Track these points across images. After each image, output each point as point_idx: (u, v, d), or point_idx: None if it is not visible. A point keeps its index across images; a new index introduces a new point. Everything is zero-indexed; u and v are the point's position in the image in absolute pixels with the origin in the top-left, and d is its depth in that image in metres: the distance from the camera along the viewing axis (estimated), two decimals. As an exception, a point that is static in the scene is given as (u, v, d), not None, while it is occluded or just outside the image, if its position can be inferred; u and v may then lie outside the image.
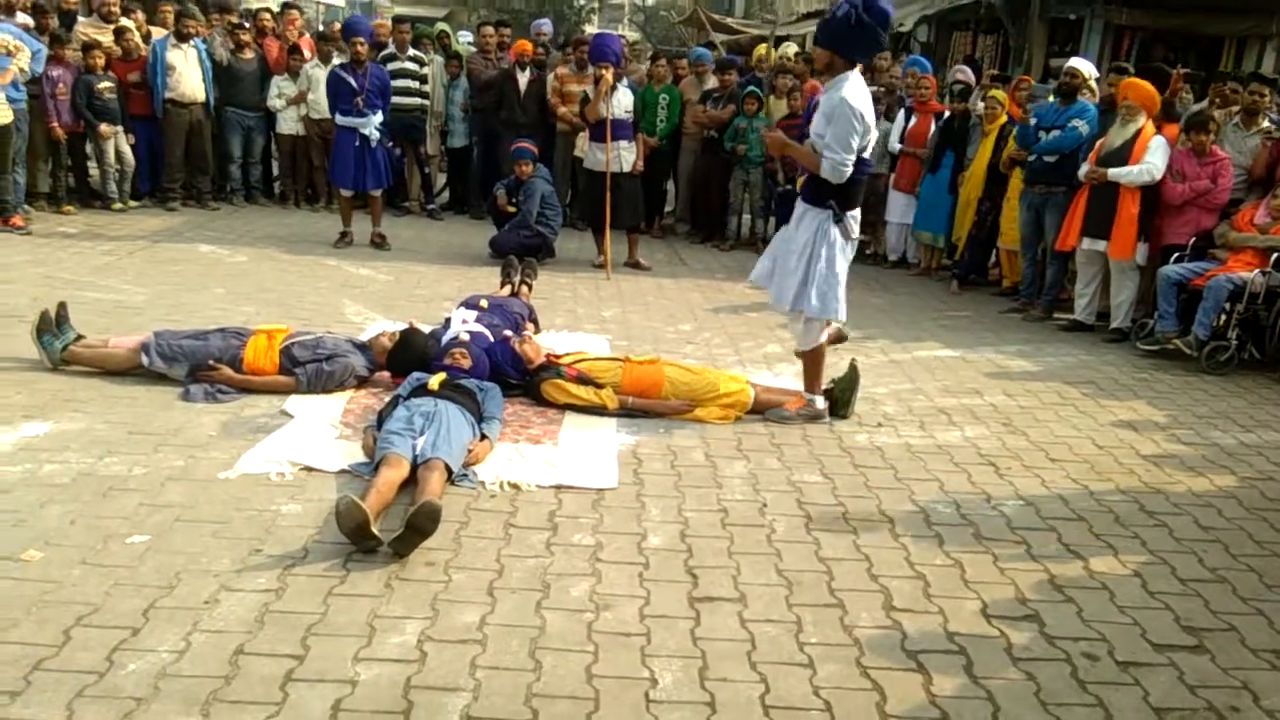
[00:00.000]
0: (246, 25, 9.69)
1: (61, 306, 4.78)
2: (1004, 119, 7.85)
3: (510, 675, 2.62)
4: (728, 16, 21.16)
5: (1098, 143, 6.81)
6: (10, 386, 4.44)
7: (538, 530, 3.46)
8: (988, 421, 4.95)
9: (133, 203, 9.02)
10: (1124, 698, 2.70)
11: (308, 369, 4.61)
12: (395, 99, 8.80)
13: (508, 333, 5.09)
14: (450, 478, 3.68)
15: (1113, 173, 6.56)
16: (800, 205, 4.70)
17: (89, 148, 8.87)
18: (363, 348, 4.84)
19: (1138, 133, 6.58)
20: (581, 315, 6.59)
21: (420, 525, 3.15)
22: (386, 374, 4.80)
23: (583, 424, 4.50)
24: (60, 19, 8.94)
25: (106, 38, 8.78)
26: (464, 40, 12.61)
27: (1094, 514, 3.90)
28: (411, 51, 9.49)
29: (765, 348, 6.05)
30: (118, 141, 8.71)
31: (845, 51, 4.39)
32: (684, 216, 10.18)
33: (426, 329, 5.02)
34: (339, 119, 7.87)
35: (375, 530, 3.16)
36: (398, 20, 9.77)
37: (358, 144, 7.84)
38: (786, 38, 16.28)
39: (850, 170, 4.41)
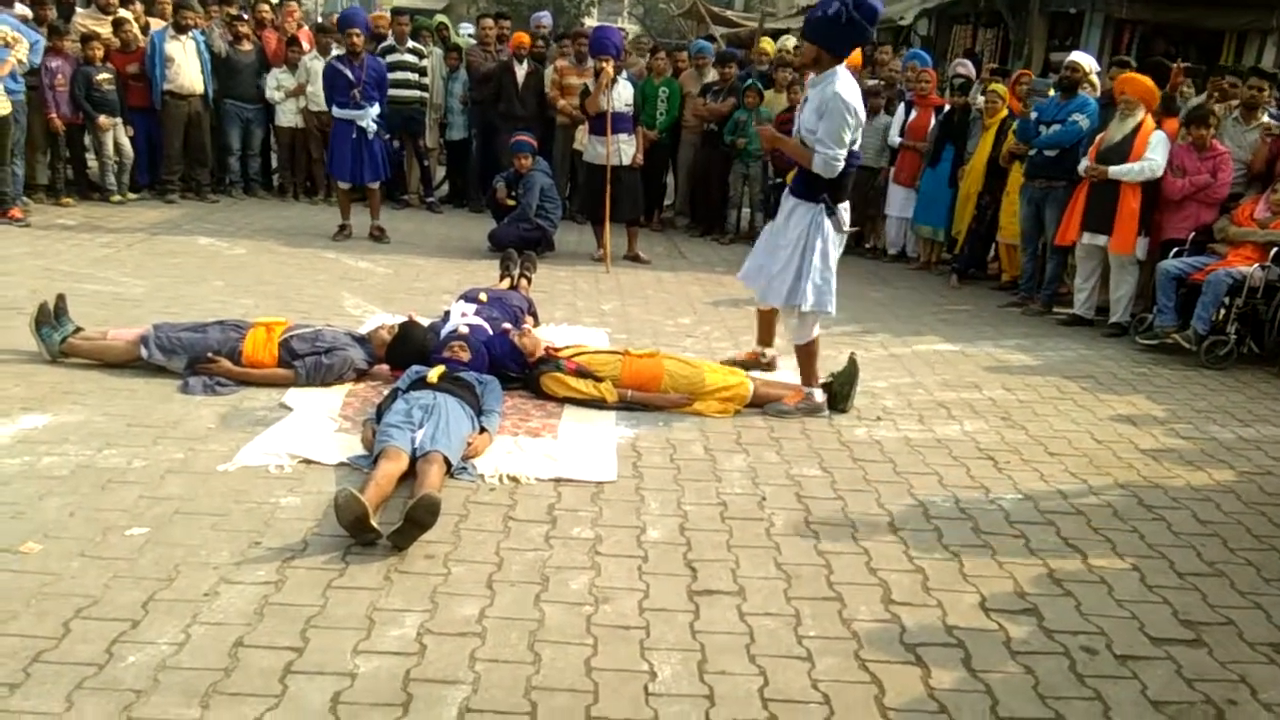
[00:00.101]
0: (245, 17, 9.65)
1: (60, 299, 4.77)
2: (1004, 113, 7.84)
3: (509, 668, 2.62)
4: (727, 9, 21.11)
5: (1098, 137, 6.80)
6: (9, 379, 4.43)
7: (537, 523, 3.46)
8: (987, 416, 4.95)
9: (131, 195, 9.00)
10: (1122, 691, 2.71)
11: (307, 362, 4.60)
12: (394, 92, 8.80)
13: (507, 326, 5.09)
14: (449, 471, 3.68)
15: (1114, 170, 6.55)
16: (789, 200, 4.70)
17: (88, 139, 8.86)
18: (362, 341, 4.84)
19: (1137, 127, 6.58)
20: (581, 308, 6.59)
21: (419, 518, 3.15)
22: (385, 367, 4.79)
23: (582, 417, 4.50)
24: (58, 10, 8.91)
25: (105, 29, 8.76)
26: (465, 33, 12.58)
27: (1092, 508, 3.91)
28: (411, 44, 9.47)
29: (764, 341, 6.04)
30: (116, 133, 8.69)
31: (833, 47, 4.41)
32: (683, 210, 10.17)
33: (425, 322, 5.02)
34: (336, 111, 7.86)
35: (374, 523, 3.16)
36: (397, 12, 9.74)
37: (355, 136, 7.83)
38: (785, 30, 16.23)
39: (842, 165, 4.42)
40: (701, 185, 9.66)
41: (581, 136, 8.98)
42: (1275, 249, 6.10)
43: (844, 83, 4.39)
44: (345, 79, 7.71)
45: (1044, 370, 5.85)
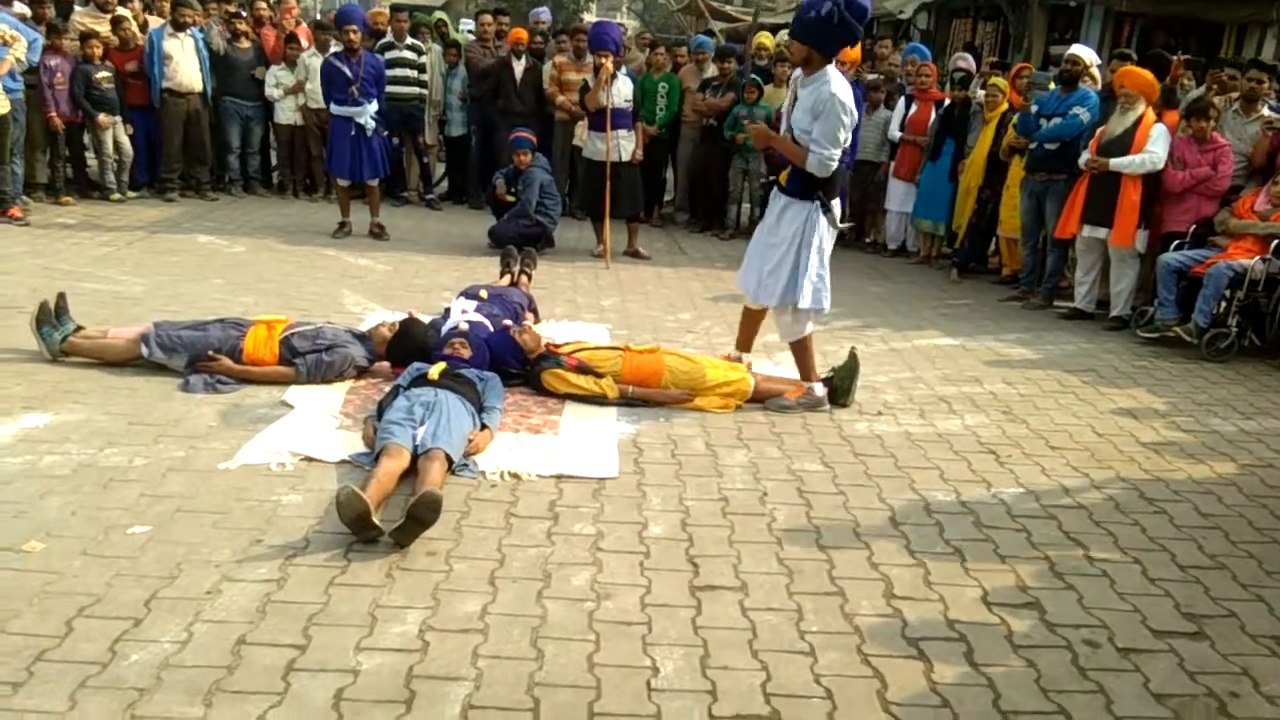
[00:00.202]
0: (243, 14, 9.64)
1: (60, 297, 4.77)
2: (1004, 107, 7.83)
3: (512, 664, 2.63)
4: (727, 4, 21.05)
5: (1098, 130, 6.79)
6: (10, 378, 4.43)
7: (538, 520, 3.46)
8: (988, 409, 4.95)
9: (131, 193, 8.99)
10: (1124, 684, 2.71)
11: (307, 359, 4.60)
12: (393, 88, 8.78)
13: (507, 322, 5.09)
14: (451, 467, 3.68)
15: (1114, 162, 6.55)
16: (781, 199, 4.70)
17: (87, 138, 8.85)
18: (362, 338, 4.84)
19: (1138, 120, 6.57)
20: (581, 304, 6.59)
21: (421, 515, 3.15)
22: (386, 364, 4.79)
23: (583, 413, 4.50)
24: (57, 8, 8.91)
25: (103, 27, 8.74)
26: (465, 29, 12.56)
27: (1094, 502, 3.91)
28: (409, 40, 9.44)
29: (765, 337, 6.03)
30: (116, 132, 8.68)
31: (824, 47, 4.42)
32: (683, 205, 10.16)
33: (426, 319, 5.02)
34: (334, 108, 7.85)
35: (376, 520, 3.16)
36: (395, 9, 9.72)
37: (353, 134, 7.82)
38: (783, 25, 16.18)
39: (836, 164, 4.44)
40: (701, 181, 9.65)
41: (581, 132, 8.97)
42: (1276, 241, 6.09)
43: (839, 83, 4.42)
44: (343, 76, 7.69)
45: (1045, 364, 5.85)
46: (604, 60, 7.55)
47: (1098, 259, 6.93)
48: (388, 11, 9.72)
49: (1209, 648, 2.91)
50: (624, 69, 8.08)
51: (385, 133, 8.29)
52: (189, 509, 3.36)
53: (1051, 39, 11.47)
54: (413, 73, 9.35)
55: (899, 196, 8.78)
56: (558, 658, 2.67)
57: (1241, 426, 4.93)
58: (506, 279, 6.26)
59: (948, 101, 8.36)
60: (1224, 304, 6.19)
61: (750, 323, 5.19)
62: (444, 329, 4.86)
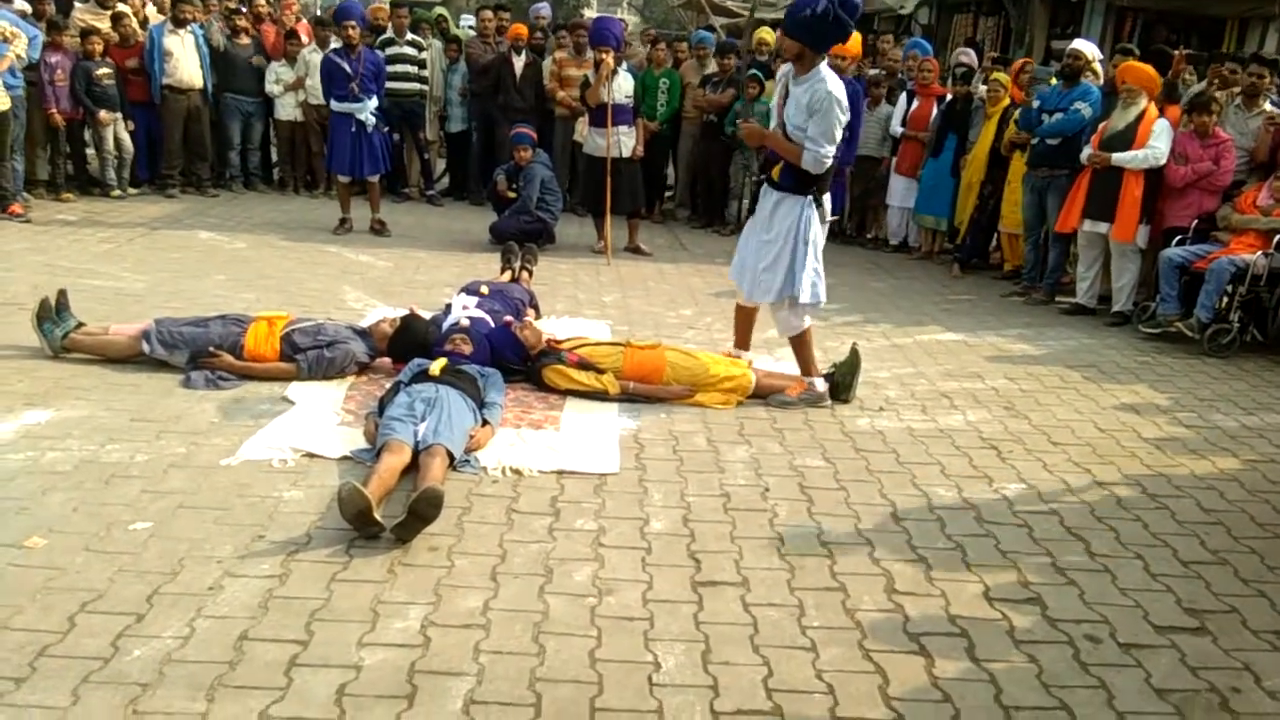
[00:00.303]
0: (243, 10, 9.63)
1: (62, 294, 4.77)
2: (1006, 102, 7.81)
3: (513, 660, 2.63)
4: (727, 0, 21.04)
5: (1100, 125, 6.78)
6: (11, 374, 4.44)
7: (540, 515, 3.46)
8: (989, 405, 4.95)
9: (132, 190, 8.99)
10: (1126, 679, 2.71)
11: (309, 355, 4.60)
12: (394, 84, 8.78)
13: (508, 318, 5.09)
14: (452, 463, 3.68)
15: (1116, 157, 6.54)
16: (773, 194, 4.70)
17: (88, 135, 8.84)
18: (363, 334, 4.84)
19: (1140, 115, 6.56)
20: (582, 300, 6.58)
21: (422, 511, 3.15)
22: (387, 360, 4.79)
23: (584, 409, 4.49)
24: (57, 5, 8.90)
25: (104, 24, 8.74)
26: (465, 25, 12.55)
27: (1096, 497, 3.91)
28: (410, 36, 9.43)
29: (766, 332, 6.03)
30: (116, 128, 8.68)
31: (818, 44, 4.43)
32: (684, 201, 10.15)
33: (427, 315, 5.02)
34: (334, 105, 7.84)
35: (377, 516, 3.17)
36: (395, 5, 9.70)
37: (354, 130, 7.81)
38: (779, 21, 16.17)
39: (830, 161, 4.44)
40: (702, 176, 9.64)
41: (581, 128, 8.96)
42: (1278, 236, 6.08)
43: (834, 81, 4.44)
44: (343, 72, 7.69)
45: (1047, 359, 5.85)
46: (605, 56, 7.54)
47: (1099, 254, 6.93)
48: (388, 7, 9.71)
49: (1211, 643, 2.91)
50: (625, 64, 8.07)
51: (386, 129, 8.28)
52: (191, 505, 3.37)
53: (1053, 34, 11.44)
54: (413, 68, 9.34)
55: (900, 192, 8.77)
56: (559, 653, 2.67)
57: (1243, 422, 4.93)
58: (507, 275, 6.26)
59: (949, 97, 8.34)
60: (1226, 299, 6.19)
61: (744, 321, 5.19)
62: (445, 325, 4.86)
